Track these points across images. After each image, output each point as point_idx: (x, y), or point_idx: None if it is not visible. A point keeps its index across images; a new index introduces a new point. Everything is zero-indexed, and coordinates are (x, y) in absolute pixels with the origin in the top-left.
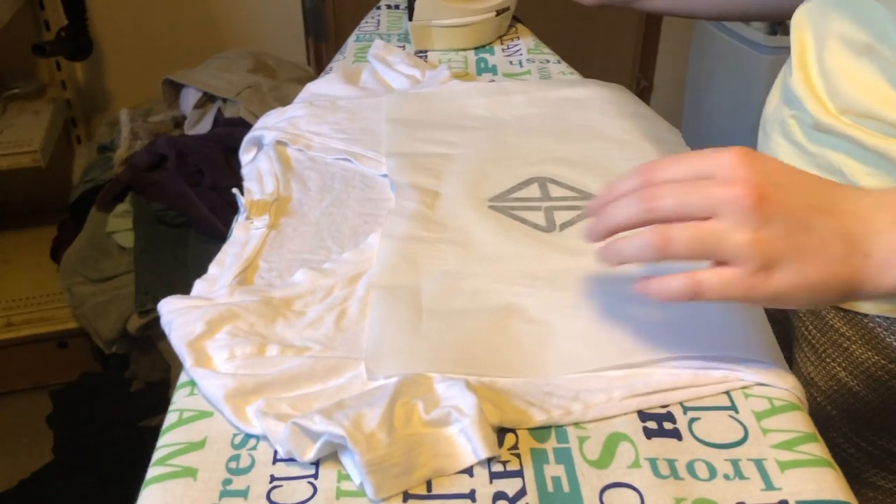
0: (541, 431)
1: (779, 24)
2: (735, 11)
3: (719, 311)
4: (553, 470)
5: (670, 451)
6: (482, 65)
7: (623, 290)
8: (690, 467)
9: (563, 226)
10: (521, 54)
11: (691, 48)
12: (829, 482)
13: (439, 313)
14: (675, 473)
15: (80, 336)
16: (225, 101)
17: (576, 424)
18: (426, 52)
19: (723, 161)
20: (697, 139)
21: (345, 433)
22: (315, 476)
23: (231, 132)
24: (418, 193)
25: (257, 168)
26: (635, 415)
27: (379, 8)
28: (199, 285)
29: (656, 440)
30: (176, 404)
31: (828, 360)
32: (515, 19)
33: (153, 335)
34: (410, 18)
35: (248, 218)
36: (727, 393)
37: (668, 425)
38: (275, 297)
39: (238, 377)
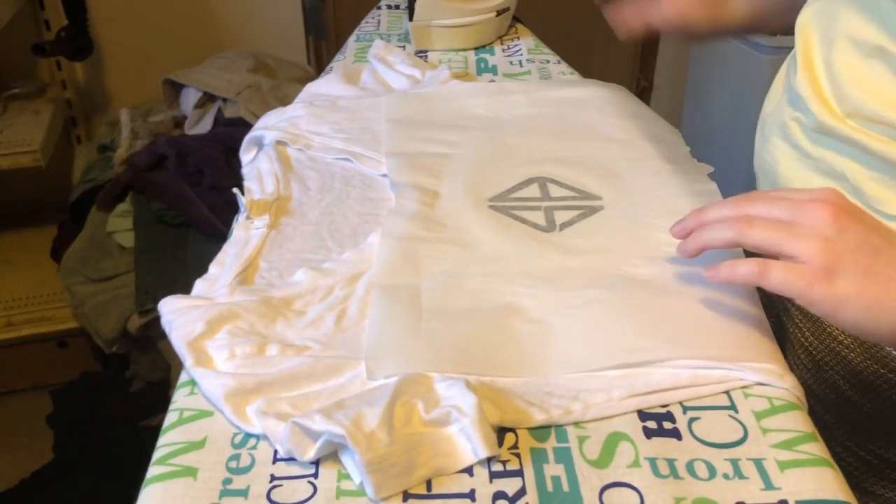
0: (541, 431)
1: None
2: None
3: (719, 311)
4: (553, 469)
5: (670, 450)
6: (482, 65)
7: (623, 289)
8: (690, 467)
9: (563, 225)
10: (521, 54)
11: (691, 48)
12: (828, 482)
13: (439, 313)
14: (674, 473)
15: (80, 336)
16: (225, 100)
17: (576, 424)
18: (426, 52)
19: (812, 196)
20: (697, 139)
21: (345, 433)
22: (315, 475)
23: (231, 132)
24: (418, 193)
25: (257, 168)
26: (635, 414)
27: (379, 8)
28: (199, 285)
29: (656, 440)
30: (176, 404)
31: (825, 367)
32: (515, 19)
33: (153, 335)
34: (411, 18)
35: (248, 217)
36: (727, 393)
37: (667, 425)
38: (275, 297)
39: (238, 377)
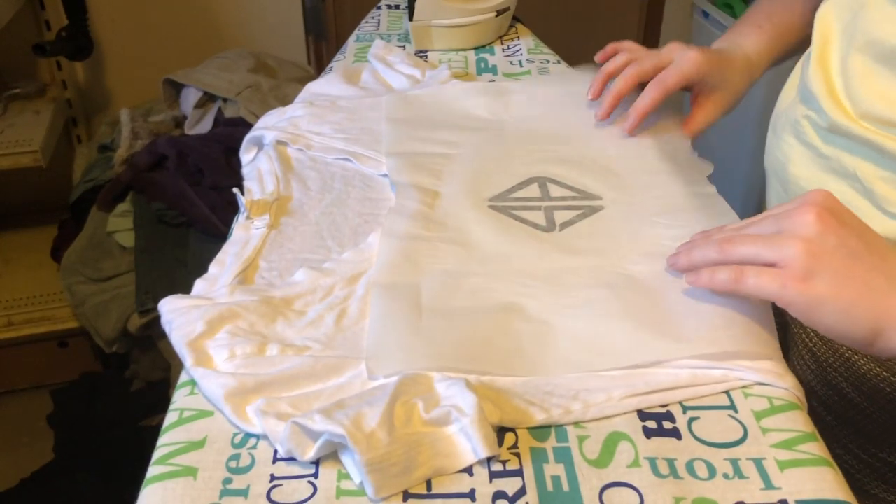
0: (540, 431)
1: None
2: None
3: (719, 311)
4: (553, 469)
5: (670, 450)
6: (482, 65)
7: (623, 289)
8: (690, 467)
9: (563, 225)
10: (521, 54)
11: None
12: (828, 482)
13: (439, 312)
14: (674, 473)
15: (80, 335)
16: (225, 100)
17: (575, 424)
18: (426, 52)
19: (800, 200)
20: (697, 139)
21: (345, 432)
22: (315, 475)
23: (231, 132)
24: (418, 193)
25: (258, 168)
26: (635, 414)
27: (379, 8)
28: (199, 285)
29: (656, 439)
30: (176, 403)
31: (829, 369)
32: (515, 19)
33: (153, 334)
34: (411, 18)
35: (248, 217)
36: (727, 392)
37: (667, 425)
38: (275, 297)
39: (238, 376)
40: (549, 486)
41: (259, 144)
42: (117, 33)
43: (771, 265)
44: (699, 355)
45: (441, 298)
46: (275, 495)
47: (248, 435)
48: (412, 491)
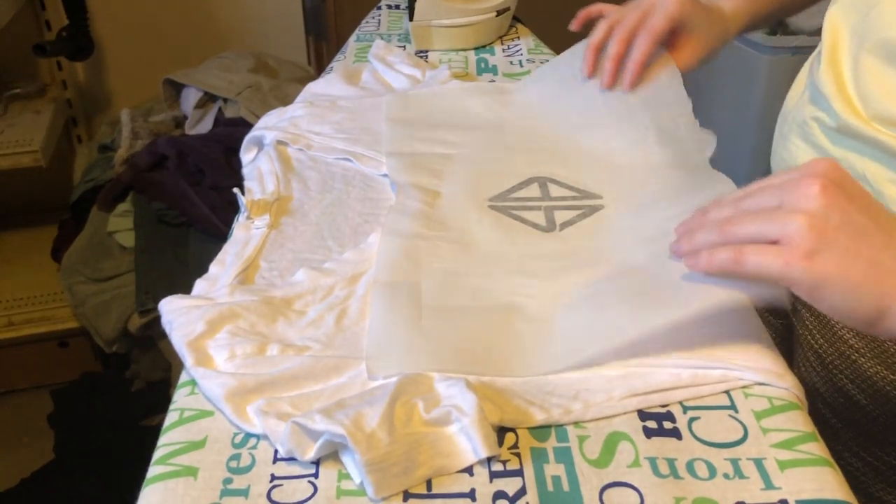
0: (541, 430)
1: (778, 24)
2: (795, 7)
3: (718, 312)
4: (553, 469)
5: (670, 450)
6: (482, 65)
7: (623, 290)
8: (690, 466)
9: (564, 225)
10: (521, 54)
11: None
12: (828, 482)
13: (439, 312)
14: (674, 473)
15: (80, 335)
16: (226, 100)
17: (576, 424)
18: (426, 52)
19: (805, 170)
20: None
21: (345, 432)
22: (315, 475)
23: (232, 132)
24: (419, 193)
25: (258, 168)
26: (635, 414)
27: (379, 8)
28: (199, 285)
29: (656, 439)
30: (176, 403)
31: (835, 371)
32: (515, 19)
33: (154, 334)
34: (411, 18)
35: (248, 217)
36: (727, 392)
37: (667, 424)
38: (275, 297)
39: (239, 376)
40: (550, 486)
41: (259, 144)
42: (117, 33)
43: (774, 242)
44: (699, 355)
45: (441, 298)
46: (275, 495)
47: (249, 435)
48: (412, 491)
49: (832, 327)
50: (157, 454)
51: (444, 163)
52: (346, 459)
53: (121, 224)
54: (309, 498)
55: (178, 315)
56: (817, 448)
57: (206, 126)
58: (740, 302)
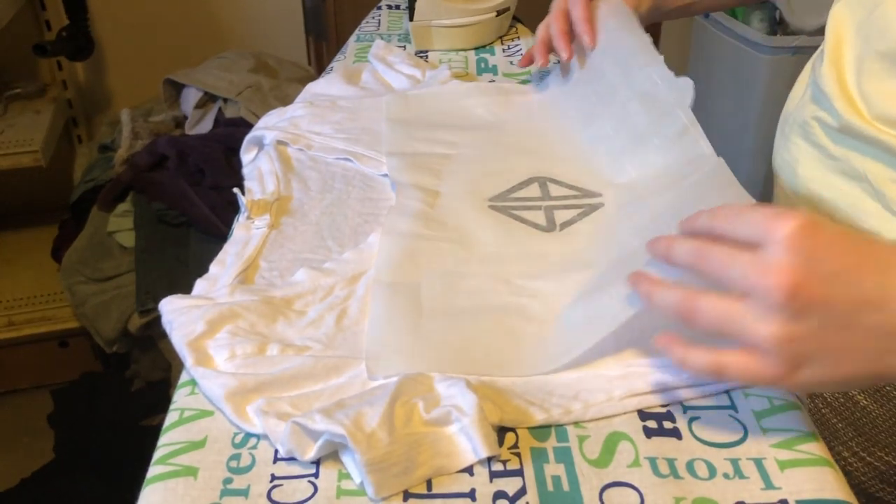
0: (541, 430)
1: (778, 24)
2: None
3: None
4: (553, 469)
5: (670, 450)
6: (482, 65)
7: (623, 290)
8: (690, 466)
9: (564, 225)
10: (521, 54)
11: (691, 48)
12: (828, 481)
13: (439, 312)
14: (674, 473)
15: (80, 335)
16: (226, 100)
17: (576, 423)
18: (427, 52)
19: (776, 237)
20: None
21: (345, 432)
22: (315, 475)
23: (232, 132)
24: (419, 193)
25: (258, 168)
26: (635, 414)
27: (380, 8)
28: (199, 285)
29: (656, 439)
30: (177, 403)
31: None
32: (516, 19)
33: (154, 334)
34: (411, 18)
35: (248, 217)
36: (727, 392)
37: (667, 424)
38: (275, 297)
39: (239, 376)
40: (550, 486)
41: (259, 144)
42: (117, 33)
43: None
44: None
45: (441, 298)
46: (275, 495)
47: (249, 435)
48: (412, 491)
49: None
50: (157, 454)
51: (444, 163)
52: (347, 459)
53: (121, 224)
54: (309, 498)
55: (178, 315)
56: (817, 448)
57: (206, 126)
58: None
